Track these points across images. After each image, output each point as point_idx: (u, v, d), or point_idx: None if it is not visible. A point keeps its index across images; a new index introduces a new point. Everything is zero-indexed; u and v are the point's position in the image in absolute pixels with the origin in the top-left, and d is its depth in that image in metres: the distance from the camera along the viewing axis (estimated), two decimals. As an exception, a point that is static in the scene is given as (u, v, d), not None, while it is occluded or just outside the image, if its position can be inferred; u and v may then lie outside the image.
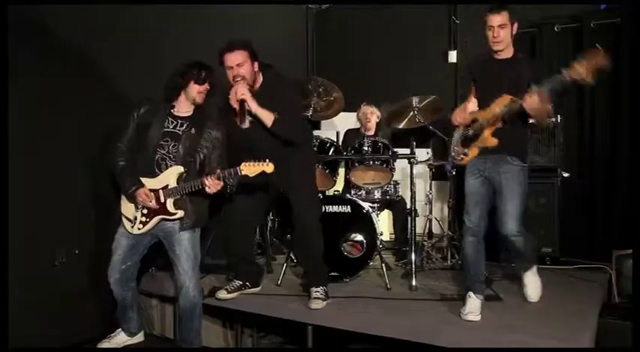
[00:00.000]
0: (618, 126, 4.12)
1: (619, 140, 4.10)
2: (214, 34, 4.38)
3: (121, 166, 2.88)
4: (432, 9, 5.23)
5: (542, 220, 3.99)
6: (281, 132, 2.89)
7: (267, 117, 2.85)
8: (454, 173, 4.12)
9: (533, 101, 2.65)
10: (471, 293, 2.85)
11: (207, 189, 2.71)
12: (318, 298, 2.97)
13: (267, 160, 2.66)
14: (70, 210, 3.19)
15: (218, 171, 2.71)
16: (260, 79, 2.95)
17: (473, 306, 2.80)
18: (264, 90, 2.93)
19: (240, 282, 3.18)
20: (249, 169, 2.66)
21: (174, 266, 2.92)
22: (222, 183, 2.72)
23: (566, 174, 3.64)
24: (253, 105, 2.83)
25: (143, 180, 2.83)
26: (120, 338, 3.11)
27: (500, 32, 2.79)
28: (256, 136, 2.92)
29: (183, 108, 2.92)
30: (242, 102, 2.81)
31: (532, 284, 3.09)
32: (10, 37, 2.75)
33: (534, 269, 3.11)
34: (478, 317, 2.75)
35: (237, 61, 2.81)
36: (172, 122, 2.88)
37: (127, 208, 2.90)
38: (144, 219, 2.85)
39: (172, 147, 2.83)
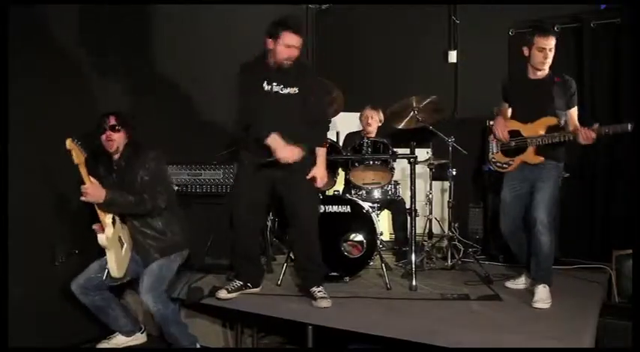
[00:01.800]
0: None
1: (619, 140, 4.09)
2: (213, 34, 4.40)
3: None
4: (432, 9, 5.23)
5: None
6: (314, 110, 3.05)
7: None
8: (454, 173, 4.13)
9: (589, 137, 2.89)
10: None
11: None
12: (324, 297, 2.97)
13: None
14: (70, 210, 3.19)
15: None
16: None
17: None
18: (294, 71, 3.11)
19: (241, 282, 3.17)
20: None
21: None
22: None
23: (566, 174, 3.64)
24: None
25: None
26: (119, 339, 3.12)
27: (550, 55, 3.01)
28: (281, 103, 3.00)
29: (116, 154, 2.98)
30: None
31: (541, 300, 2.97)
32: (10, 38, 2.75)
33: (547, 288, 3.01)
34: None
35: (299, 44, 3.05)
36: (115, 169, 2.99)
37: None
38: None
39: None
